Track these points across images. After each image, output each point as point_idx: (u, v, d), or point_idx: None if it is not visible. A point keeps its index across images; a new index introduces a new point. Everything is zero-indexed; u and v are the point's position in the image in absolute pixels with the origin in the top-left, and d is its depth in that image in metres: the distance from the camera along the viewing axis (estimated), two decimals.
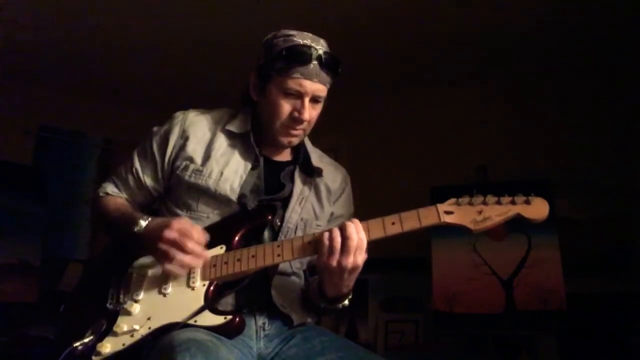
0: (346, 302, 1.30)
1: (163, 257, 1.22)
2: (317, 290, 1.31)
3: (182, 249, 1.20)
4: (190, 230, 1.21)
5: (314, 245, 1.22)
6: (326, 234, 1.18)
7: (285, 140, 1.38)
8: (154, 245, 1.22)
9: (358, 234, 1.17)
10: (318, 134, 1.44)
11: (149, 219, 1.29)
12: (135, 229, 1.27)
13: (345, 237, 1.16)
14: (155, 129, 1.45)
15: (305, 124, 1.35)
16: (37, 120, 3.90)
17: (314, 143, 1.52)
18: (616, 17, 2.81)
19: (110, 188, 1.47)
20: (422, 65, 3.47)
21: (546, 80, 3.43)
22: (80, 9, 2.87)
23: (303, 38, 1.32)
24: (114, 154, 4.25)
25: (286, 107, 1.33)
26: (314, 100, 1.34)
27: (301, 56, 1.29)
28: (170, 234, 1.20)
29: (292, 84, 1.30)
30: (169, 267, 1.21)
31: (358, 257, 1.17)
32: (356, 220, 1.20)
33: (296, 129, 1.36)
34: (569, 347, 2.79)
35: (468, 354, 3.04)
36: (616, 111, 3.18)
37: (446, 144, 3.58)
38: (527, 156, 3.30)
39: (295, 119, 1.33)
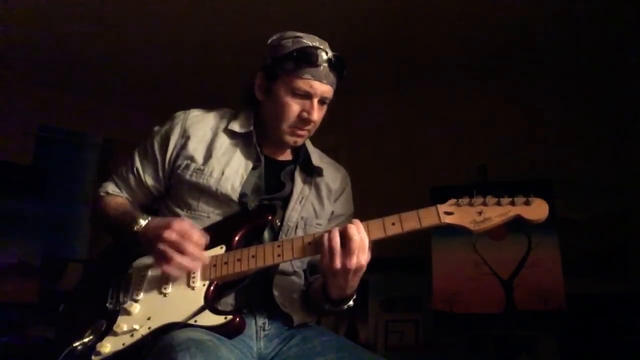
0: (350, 303, 1.29)
1: (161, 258, 1.21)
2: (320, 291, 1.30)
3: (181, 251, 1.20)
4: (190, 232, 1.21)
5: (314, 246, 1.22)
6: (325, 236, 1.18)
7: (291, 140, 1.39)
8: (153, 245, 1.22)
9: (359, 234, 1.17)
10: (318, 134, 1.44)
11: (149, 218, 1.29)
12: (135, 228, 1.28)
13: (346, 238, 1.16)
14: (156, 128, 1.45)
15: (312, 124, 1.37)
16: (37, 120, 3.90)
17: (314, 143, 1.53)
18: (616, 17, 2.81)
19: (111, 187, 1.47)
20: (423, 65, 3.47)
21: (546, 81, 3.42)
22: (80, 8, 2.87)
23: (312, 40, 1.34)
24: (114, 154, 4.26)
25: (295, 107, 1.34)
26: (321, 101, 1.36)
27: (312, 58, 1.30)
28: (170, 235, 1.20)
29: (302, 85, 1.31)
30: (167, 268, 1.21)
31: (361, 257, 1.17)
32: (356, 221, 1.19)
33: (303, 130, 1.37)
34: (569, 347, 2.78)
35: (468, 354, 3.04)
36: (616, 111, 3.18)
37: (446, 144, 3.58)
38: (527, 156, 3.30)
39: (303, 120, 1.35)
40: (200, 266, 1.23)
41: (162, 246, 1.20)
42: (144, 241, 1.27)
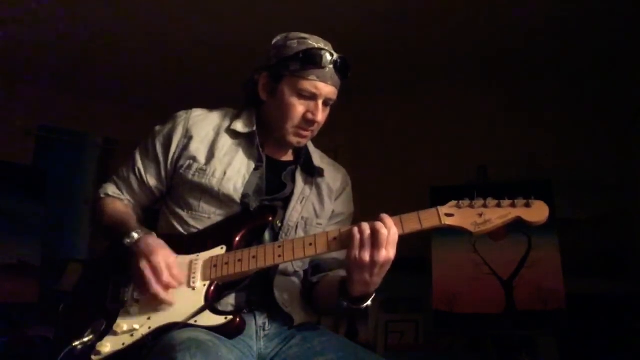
0: (369, 302, 1.26)
1: (136, 282, 1.26)
2: (336, 288, 1.28)
3: (147, 287, 1.21)
4: (160, 272, 1.21)
5: (315, 247, 1.22)
6: (356, 228, 1.18)
7: (295, 140, 1.39)
8: (133, 264, 1.25)
9: (390, 227, 1.16)
10: (319, 134, 1.44)
11: (142, 234, 1.29)
12: (126, 242, 1.28)
13: (376, 231, 1.15)
14: (157, 128, 1.45)
15: (316, 125, 1.37)
16: (37, 120, 3.90)
17: (314, 143, 1.53)
18: (616, 17, 2.81)
19: (111, 189, 1.47)
20: (423, 66, 3.47)
21: (546, 80, 3.42)
22: (80, 8, 2.87)
23: (317, 41, 1.34)
24: (115, 154, 4.25)
25: (299, 108, 1.34)
26: (326, 103, 1.36)
27: (318, 59, 1.31)
28: (144, 267, 1.22)
29: (307, 86, 1.32)
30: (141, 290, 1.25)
31: (390, 250, 1.16)
32: (386, 215, 1.19)
33: (307, 130, 1.38)
34: (569, 347, 2.78)
35: (468, 354, 3.04)
36: (616, 111, 3.18)
37: (446, 144, 3.58)
38: (528, 156, 3.29)
39: (308, 121, 1.35)
40: (165, 302, 1.23)
41: (135, 272, 1.23)
42: (130, 254, 1.28)
